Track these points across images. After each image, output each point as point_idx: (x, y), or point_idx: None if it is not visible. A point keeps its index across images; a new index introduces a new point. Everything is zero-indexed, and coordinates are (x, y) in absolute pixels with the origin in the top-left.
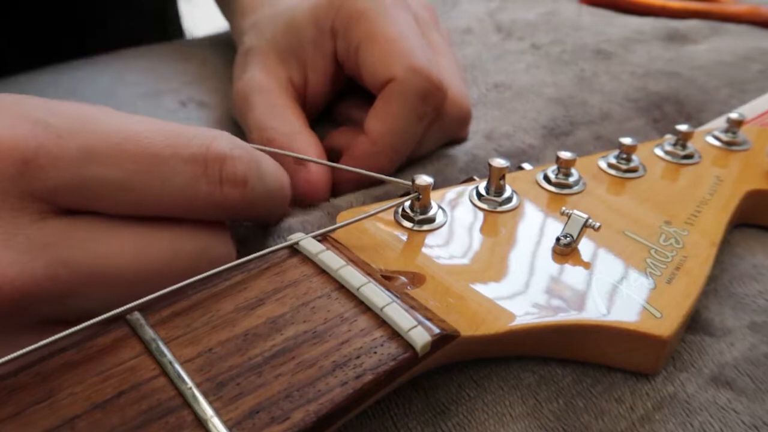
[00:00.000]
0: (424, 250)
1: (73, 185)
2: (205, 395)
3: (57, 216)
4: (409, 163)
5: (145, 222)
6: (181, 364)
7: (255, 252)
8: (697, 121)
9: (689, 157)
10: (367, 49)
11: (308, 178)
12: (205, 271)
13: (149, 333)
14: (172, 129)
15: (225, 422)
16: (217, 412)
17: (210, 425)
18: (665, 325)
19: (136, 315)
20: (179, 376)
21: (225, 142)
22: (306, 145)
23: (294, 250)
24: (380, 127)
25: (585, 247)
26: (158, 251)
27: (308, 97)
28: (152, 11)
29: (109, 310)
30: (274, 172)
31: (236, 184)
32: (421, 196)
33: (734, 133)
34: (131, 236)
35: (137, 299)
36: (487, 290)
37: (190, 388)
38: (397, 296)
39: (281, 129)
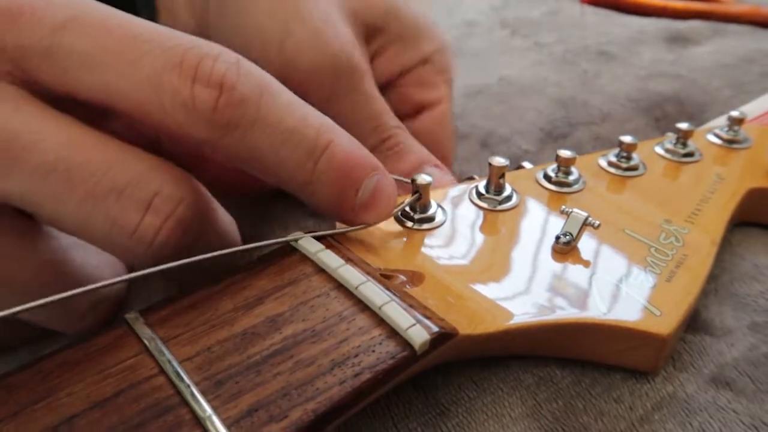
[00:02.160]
0: (424, 249)
1: (43, 49)
2: (204, 394)
3: (13, 83)
4: None
5: (93, 127)
6: (180, 362)
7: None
8: (698, 122)
9: (690, 155)
10: (440, 120)
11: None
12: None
13: (148, 332)
14: (171, 30)
15: (223, 420)
16: (216, 410)
17: (208, 423)
18: (665, 324)
19: (135, 314)
20: (178, 374)
21: (219, 47)
22: (412, 140)
23: (293, 248)
24: (449, 153)
25: (585, 245)
26: (90, 154)
27: None
28: None
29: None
30: (286, 103)
31: (209, 84)
32: (421, 195)
33: (735, 131)
34: (72, 128)
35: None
36: (486, 289)
37: (189, 387)
38: (395, 295)
39: (397, 123)
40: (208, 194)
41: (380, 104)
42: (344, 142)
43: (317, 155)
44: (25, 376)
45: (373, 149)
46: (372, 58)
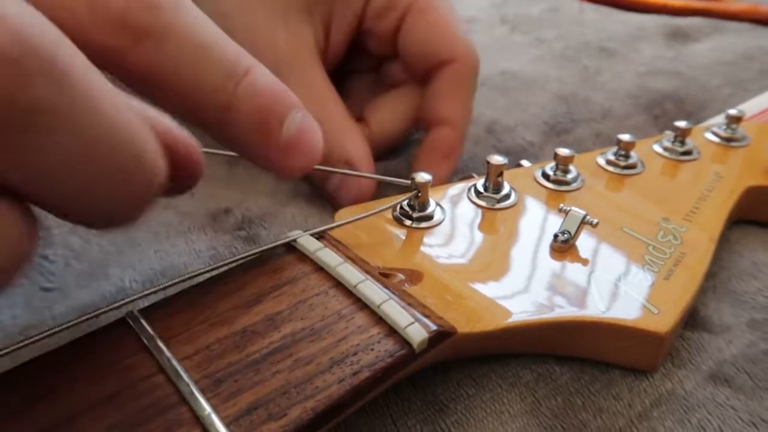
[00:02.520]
0: (422, 247)
1: None
2: (203, 392)
3: None
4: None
5: None
6: (179, 361)
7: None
8: (697, 119)
9: (688, 153)
10: (417, 20)
11: (360, 187)
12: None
13: (148, 331)
14: None
15: (222, 419)
16: (215, 408)
17: (207, 422)
18: (663, 321)
19: (135, 313)
20: (177, 373)
21: None
22: (358, 144)
23: (292, 247)
24: (459, 113)
25: (583, 243)
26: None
27: (326, 64)
28: None
29: None
30: (202, 18)
31: None
32: (420, 194)
33: (733, 129)
34: None
35: None
36: (485, 287)
37: (188, 385)
38: (394, 293)
39: (328, 125)
40: None
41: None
42: (264, 71)
43: (238, 77)
44: (25, 375)
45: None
46: (327, 27)
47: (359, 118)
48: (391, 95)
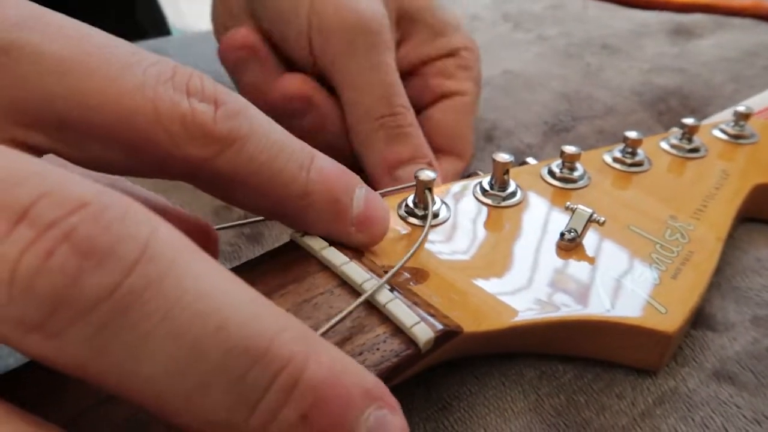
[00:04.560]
0: (428, 245)
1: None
2: None
3: None
4: None
5: None
6: None
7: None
8: (701, 115)
9: (695, 150)
10: (449, 110)
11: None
12: None
13: None
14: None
15: None
16: None
17: None
18: (670, 321)
19: None
20: None
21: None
22: (416, 128)
23: (297, 246)
24: (466, 145)
25: (589, 242)
26: None
27: None
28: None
29: None
30: (268, 118)
31: (204, 98)
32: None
33: (741, 126)
34: None
35: None
36: (491, 286)
37: None
38: (399, 292)
39: (405, 103)
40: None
41: (394, 78)
42: (324, 156)
43: (307, 164)
44: (30, 375)
45: (377, 122)
46: (399, 43)
47: None
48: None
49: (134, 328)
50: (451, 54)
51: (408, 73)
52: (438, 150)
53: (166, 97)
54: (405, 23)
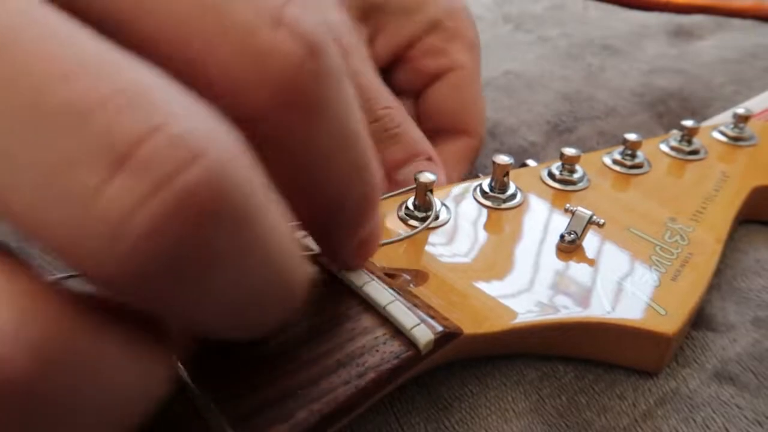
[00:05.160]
0: (428, 247)
1: None
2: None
3: None
4: None
5: None
6: (183, 360)
7: None
8: (701, 117)
9: (695, 152)
10: (452, 86)
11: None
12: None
13: None
14: None
15: (228, 420)
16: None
17: (213, 422)
18: (670, 323)
19: None
20: (182, 374)
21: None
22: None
23: None
24: (473, 119)
25: (589, 244)
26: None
27: None
28: None
29: None
30: (352, 98)
31: (296, 35)
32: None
33: (741, 128)
34: None
35: None
36: (491, 288)
37: (192, 385)
38: (399, 294)
39: (403, 119)
40: None
41: (367, 81)
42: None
43: (367, 176)
44: None
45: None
46: (373, 36)
47: None
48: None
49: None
50: (433, 27)
51: (394, 62)
52: (444, 131)
53: (242, 17)
54: (374, 14)
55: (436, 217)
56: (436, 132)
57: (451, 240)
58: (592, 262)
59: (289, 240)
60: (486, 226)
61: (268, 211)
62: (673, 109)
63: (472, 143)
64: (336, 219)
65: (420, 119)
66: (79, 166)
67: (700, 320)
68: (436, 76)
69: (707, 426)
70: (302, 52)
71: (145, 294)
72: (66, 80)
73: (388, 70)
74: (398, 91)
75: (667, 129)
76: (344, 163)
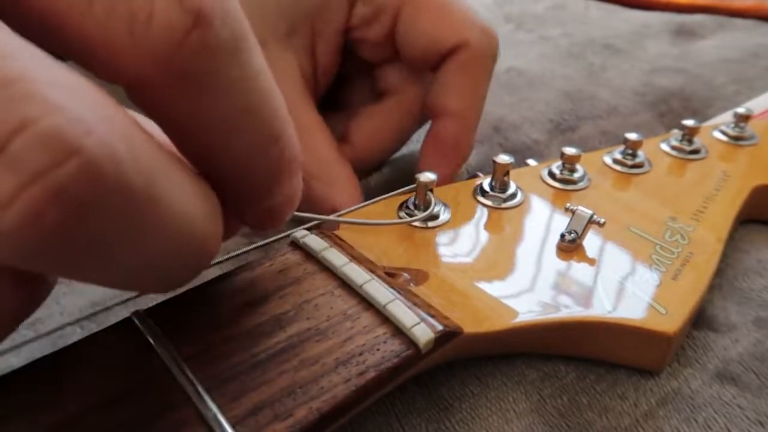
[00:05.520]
0: (428, 247)
1: None
2: (209, 392)
3: None
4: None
5: None
6: (185, 360)
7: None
8: (703, 116)
9: (696, 152)
10: (414, 14)
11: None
12: None
13: (153, 330)
14: None
15: (228, 419)
16: (221, 408)
17: (213, 422)
18: (671, 322)
19: (141, 312)
20: (183, 372)
21: None
22: (345, 188)
23: (297, 246)
24: (465, 103)
25: (590, 243)
26: None
27: (318, 87)
28: None
29: None
30: (257, 70)
31: (183, 5)
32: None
33: (741, 128)
34: None
35: None
36: (491, 287)
37: (194, 385)
38: (400, 293)
39: (311, 161)
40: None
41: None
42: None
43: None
44: (32, 375)
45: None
46: (370, 21)
47: (342, 137)
48: (378, 109)
49: None
50: None
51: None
52: (439, 112)
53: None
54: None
55: (435, 217)
56: (437, 67)
57: (451, 240)
58: (592, 262)
59: (191, 206)
60: (486, 226)
61: (161, 187)
62: (675, 109)
63: (473, 53)
64: (239, 190)
65: (413, 67)
66: None
67: (701, 320)
68: (392, 31)
69: (709, 426)
70: (186, 21)
71: (39, 267)
72: None
73: (349, 60)
74: (409, 64)
75: (669, 128)
76: (244, 139)
